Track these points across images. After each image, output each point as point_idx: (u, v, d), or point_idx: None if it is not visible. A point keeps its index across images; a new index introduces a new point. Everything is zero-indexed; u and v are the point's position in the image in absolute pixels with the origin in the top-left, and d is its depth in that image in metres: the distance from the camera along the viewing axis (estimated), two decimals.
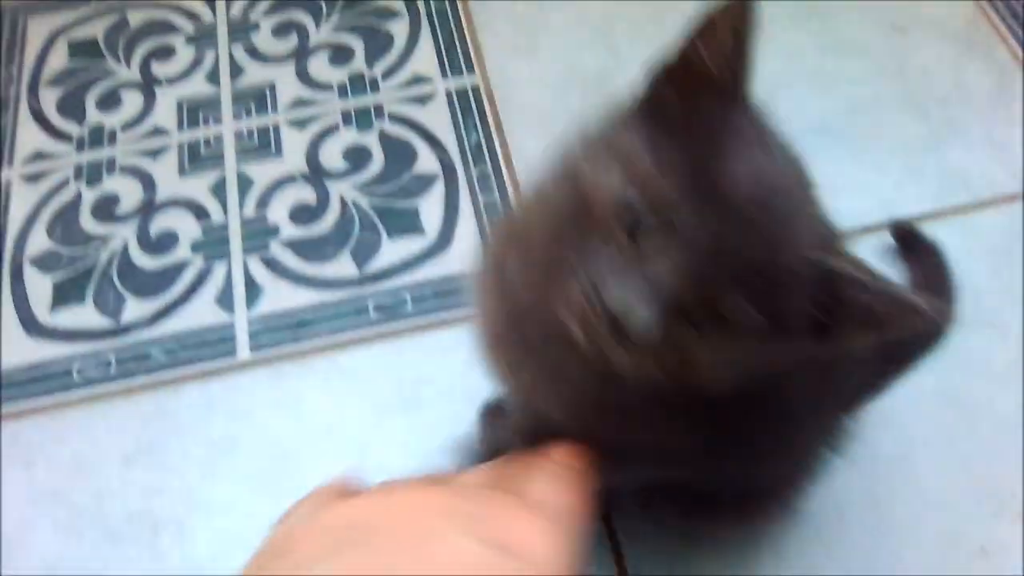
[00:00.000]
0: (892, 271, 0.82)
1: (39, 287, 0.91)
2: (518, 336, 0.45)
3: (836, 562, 0.73)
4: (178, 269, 0.90)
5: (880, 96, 0.97)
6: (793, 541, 0.74)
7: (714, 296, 0.37)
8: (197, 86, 1.04)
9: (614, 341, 0.36)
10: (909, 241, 0.84)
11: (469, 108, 0.99)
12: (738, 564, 0.73)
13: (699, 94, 0.38)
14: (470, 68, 1.02)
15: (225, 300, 0.88)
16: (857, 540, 0.74)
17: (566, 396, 0.45)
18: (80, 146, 1.00)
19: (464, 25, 1.07)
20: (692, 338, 0.38)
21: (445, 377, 0.82)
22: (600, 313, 0.36)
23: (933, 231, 0.89)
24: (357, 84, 1.02)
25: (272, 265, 0.90)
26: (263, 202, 0.94)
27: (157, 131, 1.01)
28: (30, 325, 0.88)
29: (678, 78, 0.39)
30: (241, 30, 1.08)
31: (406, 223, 0.91)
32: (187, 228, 0.93)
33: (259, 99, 1.02)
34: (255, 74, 1.04)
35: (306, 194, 0.94)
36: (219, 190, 0.95)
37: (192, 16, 1.10)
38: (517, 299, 0.43)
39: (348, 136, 0.98)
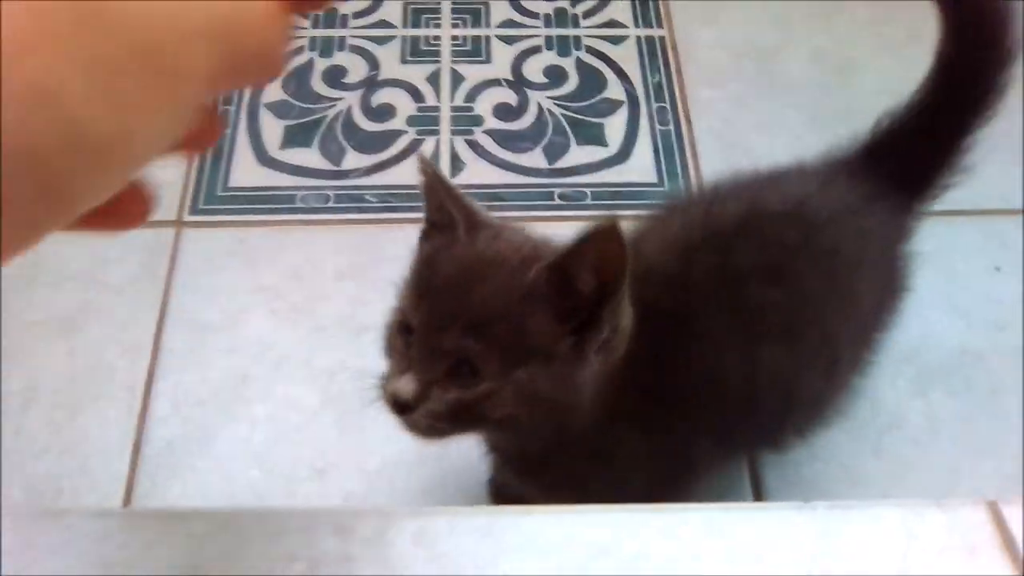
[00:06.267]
0: None
1: (272, 127, 1.06)
2: None
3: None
4: (394, 135, 1.06)
5: None
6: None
7: (451, 350, 0.55)
8: None
9: (397, 412, 0.57)
10: None
11: (655, 54, 1.14)
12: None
13: (433, 236, 0.60)
14: (659, 23, 1.18)
15: None
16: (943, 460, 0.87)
17: None
18: (315, 23, 1.16)
19: None
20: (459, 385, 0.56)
21: None
22: (388, 397, 0.57)
23: None
24: (561, 17, 1.18)
25: (475, 147, 1.05)
26: (471, 96, 1.09)
27: (384, 23, 1.16)
28: (261, 156, 1.04)
29: (427, 234, 0.61)
30: None
31: (593, 135, 1.06)
32: (404, 105, 1.08)
33: (475, 13, 1.18)
34: None
35: (508, 97, 1.10)
36: (434, 80, 1.11)
37: None
38: None
39: (549, 57, 1.14)
